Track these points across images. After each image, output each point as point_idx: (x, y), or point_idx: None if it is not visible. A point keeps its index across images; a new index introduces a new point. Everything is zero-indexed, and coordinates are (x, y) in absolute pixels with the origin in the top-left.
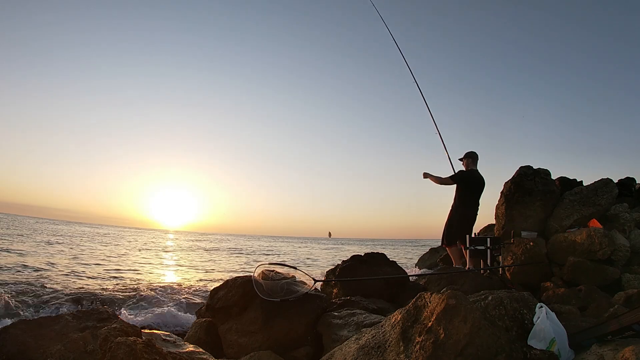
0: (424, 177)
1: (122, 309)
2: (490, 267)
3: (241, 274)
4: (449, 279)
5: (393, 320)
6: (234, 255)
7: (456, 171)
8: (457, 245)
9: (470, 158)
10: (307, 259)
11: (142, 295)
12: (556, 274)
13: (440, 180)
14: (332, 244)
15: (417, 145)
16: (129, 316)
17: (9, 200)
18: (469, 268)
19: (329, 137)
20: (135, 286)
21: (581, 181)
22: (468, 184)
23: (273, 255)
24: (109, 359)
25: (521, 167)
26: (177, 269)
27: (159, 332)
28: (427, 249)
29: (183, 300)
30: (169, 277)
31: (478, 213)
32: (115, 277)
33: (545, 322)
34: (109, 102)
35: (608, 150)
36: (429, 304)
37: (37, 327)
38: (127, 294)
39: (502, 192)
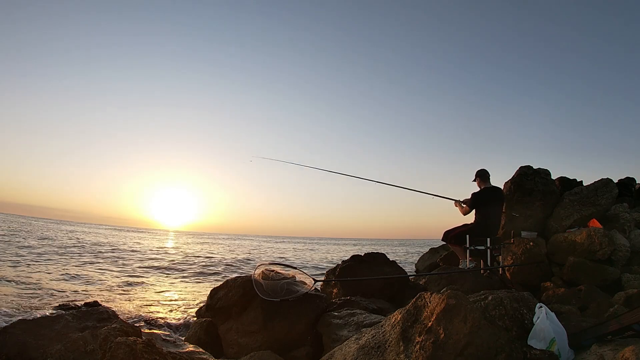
0: (455, 206)
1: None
2: (490, 267)
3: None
4: (449, 279)
5: (393, 320)
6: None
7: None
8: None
9: (480, 177)
10: (307, 257)
11: None
12: (556, 274)
13: (464, 212)
14: (331, 244)
15: (417, 146)
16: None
17: (9, 200)
18: (469, 268)
19: (329, 137)
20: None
21: (581, 181)
22: (481, 202)
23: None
24: (109, 359)
25: (521, 167)
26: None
27: (159, 332)
28: (427, 249)
29: None
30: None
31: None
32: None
33: (545, 322)
34: (110, 103)
35: (608, 150)
36: (429, 304)
37: (37, 327)
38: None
39: None
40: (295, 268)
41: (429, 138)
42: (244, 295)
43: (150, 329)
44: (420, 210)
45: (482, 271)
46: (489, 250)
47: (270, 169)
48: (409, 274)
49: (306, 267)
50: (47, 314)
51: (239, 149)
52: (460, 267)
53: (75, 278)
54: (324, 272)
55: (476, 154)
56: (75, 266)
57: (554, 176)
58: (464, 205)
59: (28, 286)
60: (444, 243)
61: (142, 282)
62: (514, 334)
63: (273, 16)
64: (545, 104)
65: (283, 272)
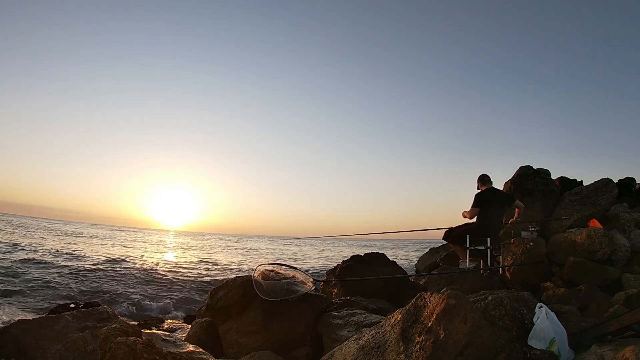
0: (464, 216)
1: None
2: (490, 267)
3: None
4: (449, 279)
5: (393, 320)
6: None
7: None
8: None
9: (480, 181)
10: (307, 257)
11: None
12: (556, 274)
13: (471, 215)
14: (331, 244)
15: (417, 146)
16: None
17: (9, 200)
18: (469, 268)
19: (329, 138)
20: None
21: (581, 181)
22: (482, 203)
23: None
24: (109, 359)
25: (521, 167)
26: None
27: (159, 332)
28: (427, 249)
29: None
30: None
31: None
32: None
33: (545, 322)
34: (110, 103)
35: (608, 150)
36: (429, 304)
37: (37, 327)
38: None
39: None
40: (295, 268)
41: (429, 138)
42: (244, 295)
43: (150, 329)
44: (421, 210)
45: (482, 271)
46: (489, 250)
47: (270, 169)
48: (408, 274)
49: (306, 267)
50: (47, 314)
51: (239, 149)
52: (460, 267)
53: None
54: (324, 272)
55: (476, 154)
56: None
57: (554, 176)
58: (470, 210)
59: None
60: (444, 243)
61: None
62: (514, 334)
63: (273, 16)
64: (546, 103)
65: (283, 272)
